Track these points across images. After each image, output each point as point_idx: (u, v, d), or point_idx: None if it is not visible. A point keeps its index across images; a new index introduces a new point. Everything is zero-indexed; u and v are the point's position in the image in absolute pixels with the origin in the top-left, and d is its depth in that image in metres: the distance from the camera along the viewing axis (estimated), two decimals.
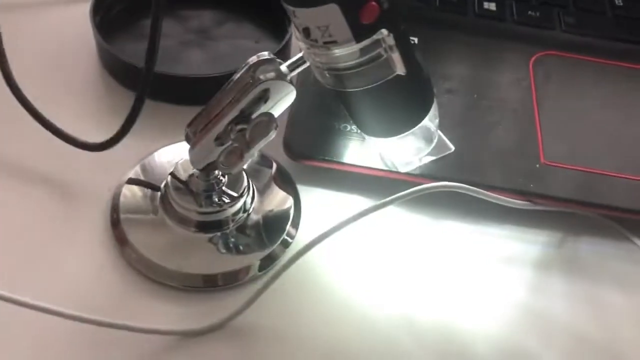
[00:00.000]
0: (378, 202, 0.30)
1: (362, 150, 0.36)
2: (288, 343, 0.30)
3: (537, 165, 0.36)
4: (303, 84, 0.38)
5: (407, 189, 0.31)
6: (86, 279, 0.31)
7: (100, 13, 0.42)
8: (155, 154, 0.36)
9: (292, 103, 0.37)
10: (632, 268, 0.35)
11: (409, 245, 0.35)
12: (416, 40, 0.42)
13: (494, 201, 0.34)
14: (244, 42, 0.44)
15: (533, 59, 0.42)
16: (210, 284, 0.32)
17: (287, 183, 0.36)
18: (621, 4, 0.47)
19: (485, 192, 0.33)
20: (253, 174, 0.35)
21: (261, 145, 0.30)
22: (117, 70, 0.41)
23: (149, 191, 0.34)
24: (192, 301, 0.31)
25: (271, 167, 0.37)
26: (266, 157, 0.37)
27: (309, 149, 0.36)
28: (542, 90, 0.40)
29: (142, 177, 0.35)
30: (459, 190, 0.32)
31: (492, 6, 0.45)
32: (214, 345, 0.30)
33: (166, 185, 0.33)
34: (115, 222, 0.33)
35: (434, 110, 0.32)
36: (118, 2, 0.44)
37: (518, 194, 0.35)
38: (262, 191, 0.35)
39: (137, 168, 0.35)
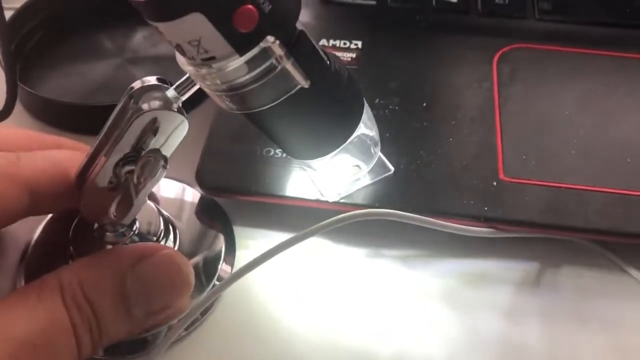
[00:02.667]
0: (288, 239, 0.26)
1: (290, 177, 0.31)
2: None
3: (495, 183, 0.30)
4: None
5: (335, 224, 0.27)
6: None
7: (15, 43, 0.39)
8: None
9: (209, 129, 0.33)
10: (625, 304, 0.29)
11: (348, 283, 0.30)
12: (360, 44, 0.37)
13: (432, 227, 0.28)
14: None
15: (498, 54, 0.36)
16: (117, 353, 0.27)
17: (217, 218, 0.32)
18: None
19: (418, 217, 0.28)
20: (175, 211, 0.31)
21: (150, 188, 0.26)
22: (31, 104, 0.38)
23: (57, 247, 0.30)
24: None
25: (198, 202, 0.32)
26: (192, 191, 0.33)
27: (225, 181, 0.31)
28: (507, 92, 0.34)
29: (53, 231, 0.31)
30: (385, 218, 0.27)
31: None
32: None
33: (70, 241, 0.29)
34: None
35: (367, 119, 0.27)
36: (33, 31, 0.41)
37: (470, 220, 0.29)
38: (187, 231, 0.31)
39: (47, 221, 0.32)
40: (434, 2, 0.40)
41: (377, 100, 0.34)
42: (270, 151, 0.32)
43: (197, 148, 0.33)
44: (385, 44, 0.37)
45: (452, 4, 0.40)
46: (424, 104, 0.34)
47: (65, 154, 0.27)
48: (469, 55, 0.37)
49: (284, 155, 0.32)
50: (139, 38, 0.42)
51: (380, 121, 0.32)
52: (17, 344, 0.21)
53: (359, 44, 0.37)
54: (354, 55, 0.36)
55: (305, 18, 0.38)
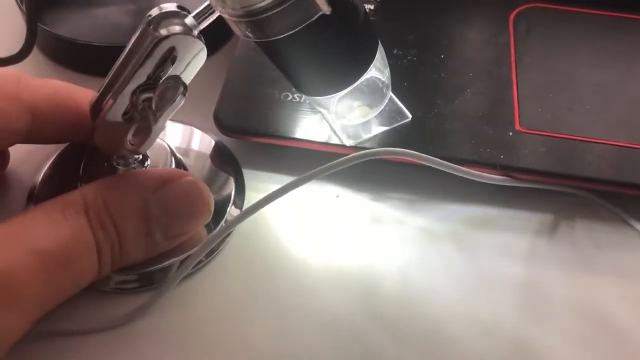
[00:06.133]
0: (298, 177, 0.26)
1: (307, 121, 0.31)
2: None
3: (511, 134, 0.31)
4: (240, 50, 0.34)
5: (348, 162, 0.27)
6: None
7: None
8: None
9: (227, 71, 0.33)
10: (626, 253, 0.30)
11: (356, 223, 0.30)
12: None
13: (447, 171, 0.29)
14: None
15: (514, 13, 0.37)
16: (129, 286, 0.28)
17: (227, 161, 0.32)
18: None
19: (433, 158, 0.28)
20: (186, 154, 0.31)
21: (169, 115, 0.26)
22: (47, 45, 0.37)
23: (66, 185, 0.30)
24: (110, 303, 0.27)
25: (209, 146, 0.32)
26: (203, 133, 0.33)
27: (242, 122, 0.31)
28: (523, 48, 0.35)
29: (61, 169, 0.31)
30: (399, 157, 0.27)
31: None
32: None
33: (79, 178, 0.29)
34: None
35: (381, 59, 0.27)
36: None
37: (485, 167, 0.30)
38: (198, 173, 0.31)
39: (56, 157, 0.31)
40: None
41: (395, 51, 0.34)
42: (288, 95, 0.32)
43: (214, 93, 0.33)
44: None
45: None
46: (442, 56, 0.34)
47: (65, 84, 0.27)
48: (486, 12, 0.37)
49: (301, 100, 0.32)
50: None
51: (398, 71, 0.33)
52: (43, 257, 0.21)
53: None
54: (372, 7, 0.36)
55: None
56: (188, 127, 0.33)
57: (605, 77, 0.33)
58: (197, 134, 0.33)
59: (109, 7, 0.39)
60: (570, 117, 0.31)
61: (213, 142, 0.32)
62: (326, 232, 0.30)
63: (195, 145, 0.32)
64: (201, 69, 0.25)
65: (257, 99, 0.32)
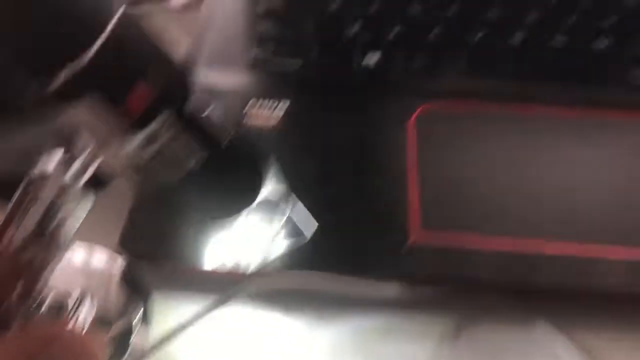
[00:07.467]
0: (201, 310, 0.27)
1: (212, 244, 0.32)
2: None
3: (410, 241, 0.32)
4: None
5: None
6: None
7: None
8: None
9: (134, 195, 0.34)
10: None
11: (264, 344, 0.31)
12: (287, 103, 0.38)
13: (346, 289, 0.30)
14: None
15: (415, 115, 0.38)
16: None
17: (135, 284, 0.32)
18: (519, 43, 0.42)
19: (327, 282, 0.29)
20: (92, 279, 0.31)
21: (53, 268, 0.26)
22: None
23: None
24: None
25: (117, 267, 0.33)
26: (110, 255, 0.33)
27: (149, 246, 0.32)
28: (423, 150, 0.36)
29: None
30: (288, 286, 0.28)
31: (375, 59, 0.41)
32: None
33: None
34: None
35: (274, 178, 0.29)
36: None
37: (385, 278, 0.31)
38: (103, 301, 0.31)
39: None
40: (356, 65, 0.41)
41: (300, 161, 0.35)
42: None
43: (122, 215, 0.33)
44: (312, 105, 0.38)
45: (373, 65, 0.41)
46: (346, 163, 0.35)
47: None
48: (385, 116, 0.38)
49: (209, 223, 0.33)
50: None
51: (304, 182, 0.34)
52: None
53: (287, 103, 0.38)
54: (280, 114, 0.38)
55: (234, 79, 0.40)
56: (96, 249, 0.33)
57: (505, 175, 0.35)
58: (104, 257, 0.33)
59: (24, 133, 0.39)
60: (469, 219, 0.33)
61: (121, 264, 0.33)
62: (236, 355, 0.30)
63: (102, 268, 0.32)
64: (110, 193, 0.26)
65: (164, 222, 0.33)
